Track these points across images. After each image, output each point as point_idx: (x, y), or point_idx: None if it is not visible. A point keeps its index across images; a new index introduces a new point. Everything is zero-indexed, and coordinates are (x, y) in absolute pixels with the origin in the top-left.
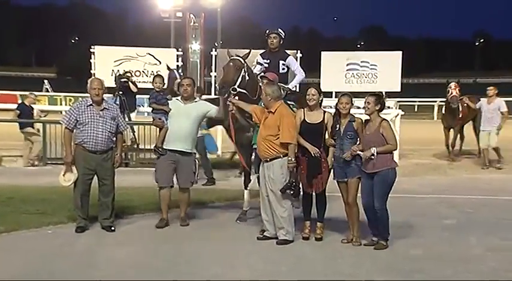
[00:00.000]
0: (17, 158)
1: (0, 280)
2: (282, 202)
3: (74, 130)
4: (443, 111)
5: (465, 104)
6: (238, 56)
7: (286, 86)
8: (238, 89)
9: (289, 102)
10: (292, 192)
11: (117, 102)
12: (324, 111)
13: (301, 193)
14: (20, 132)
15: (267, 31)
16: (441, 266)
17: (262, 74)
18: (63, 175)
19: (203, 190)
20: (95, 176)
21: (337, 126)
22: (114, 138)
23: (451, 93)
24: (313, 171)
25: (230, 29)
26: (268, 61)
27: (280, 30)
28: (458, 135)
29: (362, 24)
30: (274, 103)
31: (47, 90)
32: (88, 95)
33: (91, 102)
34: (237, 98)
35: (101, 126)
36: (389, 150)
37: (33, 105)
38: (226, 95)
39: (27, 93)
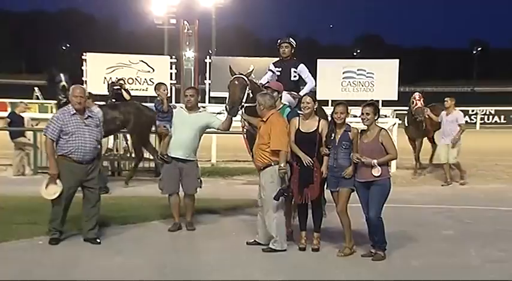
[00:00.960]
0: (6, 167)
1: None
2: (270, 210)
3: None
4: (406, 123)
5: (427, 116)
6: (242, 74)
7: (297, 94)
8: (245, 105)
9: (299, 112)
10: (285, 199)
11: None
12: (319, 120)
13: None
14: (8, 141)
15: (279, 41)
16: (440, 278)
17: (267, 84)
18: (46, 188)
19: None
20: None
21: (333, 135)
22: (99, 146)
23: (416, 104)
24: (305, 180)
25: (225, 36)
26: (280, 69)
27: (291, 39)
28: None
29: (358, 32)
30: (267, 112)
31: (38, 98)
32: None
33: (74, 111)
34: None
35: (88, 136)
36: (390, 159)
37: (23, 114)
38: (236, 114)
39: (17, 101)
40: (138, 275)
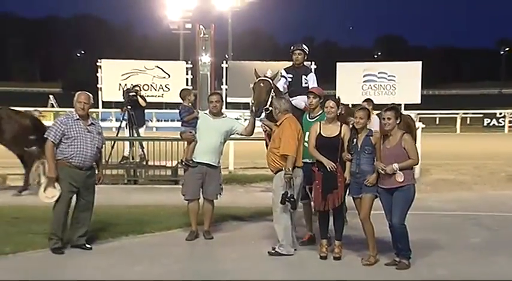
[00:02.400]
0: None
1: None
2: (277, 214)
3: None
4: None
5: None
6: (267, 77)
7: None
8: (269, 108)
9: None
10: (289, 204)
11: (126, 117)
12: (341, 125)
13: (317, 210)
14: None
15: (292, 47)
16: None
17: (311, 88)
18: (44, 191)
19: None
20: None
21: (354, 140)
22: (99, 155)
23: None
24: (329, 186)
25: (241, 40)
26: (292, 76)
27: (304, 46)
28: None
29: (379, 33)
30: (281, 116)
31: (53, 106)
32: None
33: (77, 117)
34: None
35: (90, 142)
36: (411, 165)
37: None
38: (260, 115)
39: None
40: None
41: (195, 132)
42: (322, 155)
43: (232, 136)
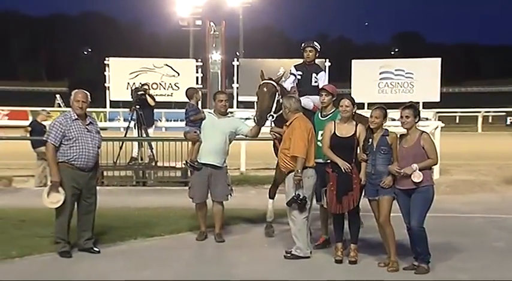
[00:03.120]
0: (28, 178)
1: None
2: (292, 216)
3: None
4: None
5: None
6: (271, 79)
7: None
8: (274, 115)
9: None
10: (297, 206)
11: (134, 117)
12: (357, 124)
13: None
14: (31, 151)
15: (303, 44)
16: None
17: (323, 86)
18: (48, 196)
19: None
20: None
21: (370, 140)
22: (98, 154)
23: None
24: (344, 188)
25: (253, 37)
26: (301, 73)
27: (316, 43)
28: None
29: (396, 29)
30: (292, 115)
31: (59, 105)
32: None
33: (76, 117)
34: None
35: (90, 142)
36: (430, 165)
37: (45, 123)
38: (264, 124)
39: (38, 109)
40: None
41: (200, 132)
42: (337, 155)
43: (241, 136)
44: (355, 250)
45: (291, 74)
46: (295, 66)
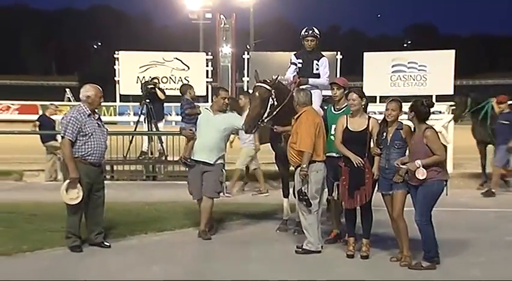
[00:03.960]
0: (38, 172)
1: None
2: (302, 210)
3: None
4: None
5: None
6: (265, 82)
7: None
8: (265, 120)
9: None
10: (304, 202)
11: (144, 111)
12: (369, 118)
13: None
14: (40, 145)
15: (303, 32)
16: None
17: (335, 79)
18: (66, 192)
19: (243, 203)
20: None
21: (384, 134)
22: None
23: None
24: (356, 182)
25: (263, 30)
26: (302, 61)
27: (316, 31)
28: None
29: (408, 21)
30: (300, 109)
31: (69, 100)
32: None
33: (89, 112)
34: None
35: (102, 137)
36: (435, 161)
37: (54, 117)
38: (253, 132)
39: (47, 103)
40: None
41: (195, 130)
42: (349, 150)
43: None
44: (367, 244)
45: (292, 63)
46: (295, 54)
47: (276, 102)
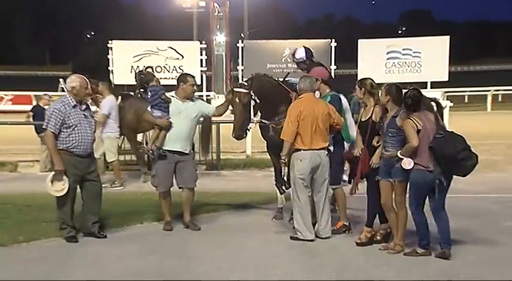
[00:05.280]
0: (33, 163)
1: None
2: (294, 198)
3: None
4: None
5: None
6: (242, 85)
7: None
8: (255, 120)
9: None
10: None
11: None
12: (375, 105)
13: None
14: (35, 136)
15: (293, 58)
16: (500, 274)
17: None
18: (52, 185)
19: (240, 192)
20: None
21: (382, 121)
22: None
23: None
24: (355, 171)
25: (258, 18)
26: None
27: (303, 55)
28: None
29: (403, 7)
30: (297, 96)
31: (63, 90)
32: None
33: (75, 103)
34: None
35: (89, 128)
36: (408, 150)
37: (48, 107)
38: (243, 137)
39: (41, 93)
40: (170, 275)
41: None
42: (363, 139)
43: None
44: (367, 232)
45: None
46: None
47: (258, 100)
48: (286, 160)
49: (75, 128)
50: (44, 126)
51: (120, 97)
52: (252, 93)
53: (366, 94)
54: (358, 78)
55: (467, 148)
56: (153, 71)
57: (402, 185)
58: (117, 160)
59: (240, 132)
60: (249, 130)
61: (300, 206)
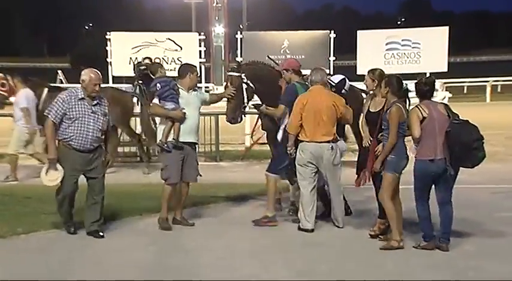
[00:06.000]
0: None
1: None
2: (301, 189)
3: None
4: None
5: None
6: (233, 69)
7: None
8: (250, 104)
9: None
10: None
11: (137, 92)
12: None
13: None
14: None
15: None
16: (497, 264)
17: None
18: (46, 174)
19: (240, 183)
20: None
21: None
22: (103, 137)
23: None
24: (362, 164)
25: (256, 9)
26: None
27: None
28: None
29: None
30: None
31: (61, 82)
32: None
33: (82, 96)
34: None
35: (92, 123)
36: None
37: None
38: (238, 121)
39: None
40: (170, 266)
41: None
42: (371, 131)
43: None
44: (380, 225)
45: None
46: None
47: (252, 85)
48: (291, 151)
49: (76, 121)
50: (45, 114)
51: (46, 90)
52: (243, 76)
53: (379, 85)
54: (355, 70)
55: (481, 139)
56: (151, 62)
57: (389, 178)
58: (17, 153)
59: (232, 115)
60: (244, 115)
61: (308, 196)
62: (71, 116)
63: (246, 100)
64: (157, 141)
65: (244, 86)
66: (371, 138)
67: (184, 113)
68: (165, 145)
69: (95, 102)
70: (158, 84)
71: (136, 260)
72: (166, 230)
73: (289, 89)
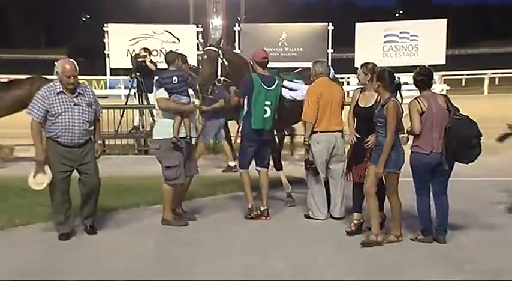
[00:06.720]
0: (29, 147)
1: (18, 273)
2: (308, 180)
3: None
4: None
5: None
6: (212, 45)
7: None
8: (222, 79)
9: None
10: (311, 170)
11: (135, 85)
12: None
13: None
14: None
15: None
16: (494, 256)
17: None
18: (34, 177)
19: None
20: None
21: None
22: (92, 128)
23: None
24: (356, 158)
25: (254, 0)
26: None
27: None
28: None
29: None
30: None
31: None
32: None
33: (61, 89)
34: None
35: (77, 117)
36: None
37: None
38: (210, 91)
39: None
40: (169, 259)
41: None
42: (360, 126)
43: None
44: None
45: None
46: None
47: (227, 63)
48: (307, 141)
49: (59, 117)
50: (26, 113)
51: None
52: (220, 53)
53: (372, 79)
54: (353, 63)
55: (479, 136)
56: (150, 53)
57: (374, 172)
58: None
59: (204, 85)
60: (214, 87)
61: (317, 187)
62: (53, 112)
63: (219, 74)
64: (161, 137)
65: (220, 61)
66: (356, 135)
67: (198, 106)
68: (180, 142)
69: (76, 93)
70: (175, 78)
71: (135, 252)
72: (183, 226)
73: (244, 80)
